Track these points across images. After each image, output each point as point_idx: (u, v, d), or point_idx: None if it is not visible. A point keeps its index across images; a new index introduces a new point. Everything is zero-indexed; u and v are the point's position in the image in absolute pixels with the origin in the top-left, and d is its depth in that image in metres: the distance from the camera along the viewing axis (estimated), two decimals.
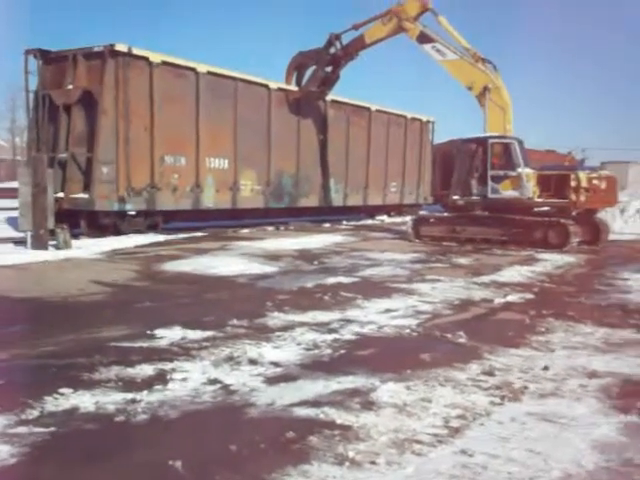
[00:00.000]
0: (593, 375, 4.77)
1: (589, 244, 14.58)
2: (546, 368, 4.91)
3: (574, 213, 14.71)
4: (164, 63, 14.72)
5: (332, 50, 18.26)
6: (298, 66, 19.26)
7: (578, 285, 9.37)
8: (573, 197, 14.16)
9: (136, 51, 14.09)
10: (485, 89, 15.28)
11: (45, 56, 14.29)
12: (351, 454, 3.30)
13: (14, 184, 18.76)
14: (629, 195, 22.98)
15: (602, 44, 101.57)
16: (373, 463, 3.22)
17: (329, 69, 18.63)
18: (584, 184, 14.11)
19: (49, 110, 14.07)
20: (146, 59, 14.33)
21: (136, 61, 14.15)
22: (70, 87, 13.88)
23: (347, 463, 3.21)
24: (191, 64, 15.53)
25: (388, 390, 4.30)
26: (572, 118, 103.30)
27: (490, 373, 4.77)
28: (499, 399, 4.19)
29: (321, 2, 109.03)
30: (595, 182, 14.31)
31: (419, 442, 3.48)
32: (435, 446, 3.44)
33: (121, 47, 13.70)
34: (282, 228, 18.17)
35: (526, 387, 4.46)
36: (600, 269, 11.37)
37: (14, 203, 14.84)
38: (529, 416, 3.89)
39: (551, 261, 11.99)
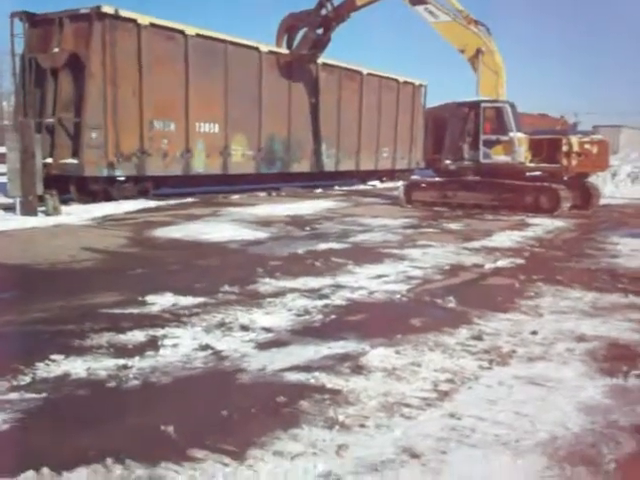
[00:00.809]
0: (581, 339, 4.83)
1: (580, 209, 14.62)
2: (534, 332, 4.96)
3: (565, 178, 14.71)
4: (152, 25, 14.48)
5: (323, 12, 18.00)
6: (289, 28, 18.99)
7: (568, 250, 9.42)
8: (565, 162, 14.15)
9: (123, 13, 13.83)
10: (478, 52, 15.13)
11: (31, 19, 14.02)
12: (341, 418, 3.34)
13: (1, 149, 18.55)
14: (620, 159, 23.02)
15: (596, 9, 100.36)
16: (362, 426, 3.26)
17: (320, 31, 18.37)
18: (576, 148, 14.09)
19: (36, 74, 13.86)
20: (134, 21, 14.09)
21: (124, 23, 13.90)
22: (56, 50, 13.64)
23: (337, 427, 3.25)
24: (180, 26, 15.29)
25: (378, 355, 4.34)
26: (565, 82, 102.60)
27: (479, 338, 4.81)
28: (487, 363, 4.24)
29: None
30: (587, 146, 14.29)
31: (408, 406, 3.53)
32: (424, 409, 3.49)
33: (108, 9, 13.45)
34: (274, 194, 18.10)
35: (514, 351, 4.51)
36: (590, 233, 11.43)
37: (2, 168, 14.71)
38: (517, 379, 3.95)
39: (542, 226, 12.03)
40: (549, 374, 4.05)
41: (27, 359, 4.09)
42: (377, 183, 23.70)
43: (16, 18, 13.99)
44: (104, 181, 14.09)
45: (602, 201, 15.68)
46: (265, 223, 11.48)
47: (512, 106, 14.71)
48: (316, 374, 3.95)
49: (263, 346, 4.52)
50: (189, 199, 15.51)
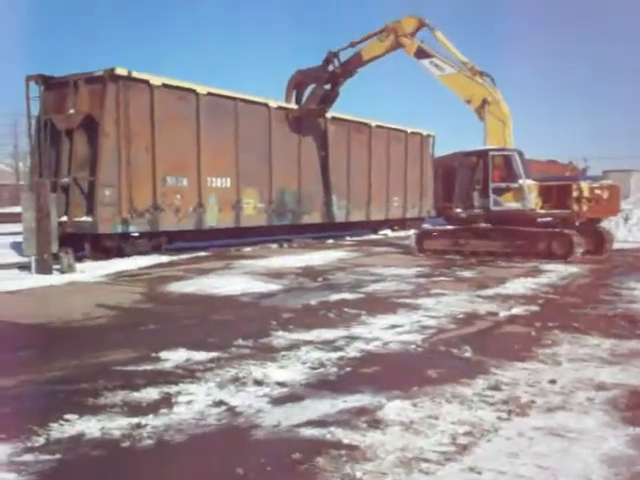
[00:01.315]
0: (600, 387, 4.74)
1: (593, 254, 14.54)
2: (553, 381, 4.88)
3: (577, 223, 14.69)
4: (164, 85, 14.84)
5: (330, 68, 18.40)
6: (297, 84, 19.40)
7: (583, 296, 9.33)
8: (575, 207, 14.16)
9: (136, 74, 14.20)
10: (484, 102, 15.34)
11: (46, 82, 14.41)
12: (358, 475, 3.28)
13: (17, 209, 18.84)
14: (632, 203, 22.96)
15: (601, 53, 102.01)
16: None
17: (328, 87, 18.76)
18: (586, 194, 14.12)
19: (51, 135, 14.18)
20: (146, 82, 14.45)
21: (137, 84, 14.26)
22: (72, 112, 13.98)
23: None
24: (191, 86, 15.66)
25: (395, 408, 4.29)
26: (573, 128, 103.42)
27: (497, 388, 4.74)
28: (506, 414, 4.17)
29: (319, 21, 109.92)
30: (597, 192, 14.32)
31: (427, 460, 3.46)
32: (443, 464, 3.42)
33: (121, 71, 13.82)
34: (285, 245, 18.19)
35: (533, 401, 4.44)
36: (605, 279, 11.33)
37: (18, 228, 14.91)
38: (537, 431, 3.87)
39: (556, 272, 11.96)
40: (570, 424, 3.97)
41: (42, 419, 4.07)
42: (388, 232, 23.76)
43: (32, 81, 14.41)
44: (118, 237, 14.22)
45: (615, 246, 15.61)
46: (277, 275, 11.50)
47: (520, 154, 14.82)
48: (332, 429, 3.90)
49: (278, 401, 4.47)
50: (202, 253, 15.61)
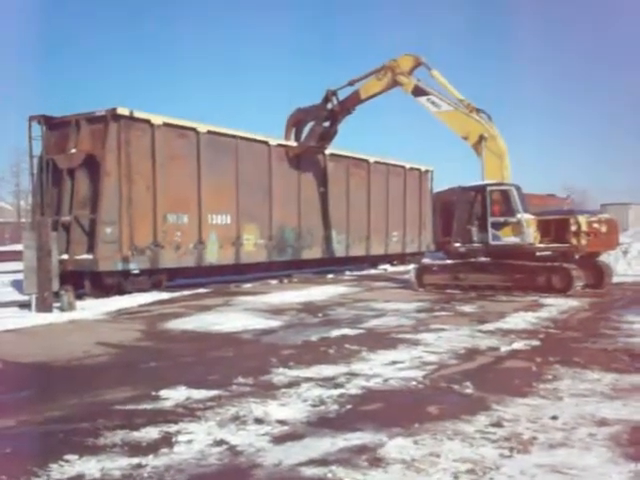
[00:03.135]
0: (602, 423, 4.73)
1: (593, 287, 14.55)
2: (555, 417, 4.87)
3: (576, 257, 14.74)
4: (165, 124, 15.05)
5: (329, 106, 18.69)
6: (297, 122, 19.67)
7: (583, 330, 9.32)
8: (574, 241, 14.22)
9: (137, 114, 14.42)
10: (481, 138, 15.54)
11: (49, 122, 14.61)
12: None
13: (19, 247, 18.90)
14: (631, 237, 23.02)
15: (599, 86, 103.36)
16: None
17: (327, 124, 19.01)
18: (584, 228, 14.20)
19: (53, 174, 14.33)
20: (147, 121, 14.66)
21: (138, 124, 14.46)
22: (73, 151, 14.15)
23: None
24: (192, 124, 15.87)
25: (396, 446, 4.27)
26: (570, 161, 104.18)
27: (498, 424, 4.73)
28: (508, 451, 4.15)
29: (317, 60, 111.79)
30: (595, 225, 14.40)
31: None
32: None
33: (123, 111, 14.03)
34: (285, 281, 18.20)
35: (535, 438, 4.42)
36: (605, 313, 11.33)
37: (19, 266, 14.95)
38: (539, 468, 3.85)
39: (556, 306, 11.96)
40: (572, 461, 3.95)
41: (41, 460, 4.06)
42: (388, 267, 23.80)
43: (34, 121, 14.61)
44: (118, 275, 14.25)
45: (615, 279, 15.62)
46: (277, 311, 11.50)
47: (518, 188, 14.95)
48: (333, 468, 3.88)
49: (278, 439, 4.46)
50: (202, 289, 15.61)
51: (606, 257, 16.93)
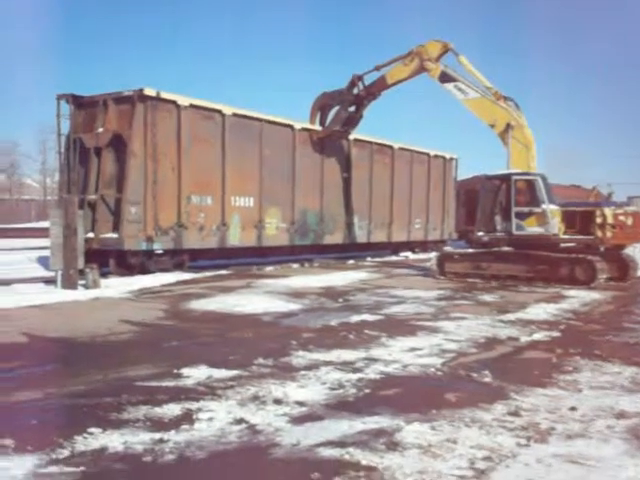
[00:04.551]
0: (621, 416, 4.72)
1: (617, 280, 14.40)
2: (573, 408, 4.87)
3: (601, 249, 14.58)
4: (191, 106, 15.12)
5: (355, 91, 18.59)
6: (322, 106, 19.61)
7: (605, 323, 9.25)
8: (599, 233, 14.07)
9: (164, 95, 14.49)
10: (508, 127, 15.37)
11: (77, 101, 14.76)
12: None
13: (44, 224, 19.18)
14: None
15: (629, 77, 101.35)
16: None
17: (352, 109, 18.93)
18: (610, 220, 14.02)
19: (80, 153, 14.49)
20: (174, 102, 14.73)
21: (164, 104, 14.55)
22: (101, 130, 14.31)
23: None
24: (217, 106, 15.92)
25: (413, 431, 4.31)
26: (599, 152, 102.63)
27: (516, 413, 4.74)
28: (525, 440, 4.17)
29: (345, 45, 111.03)
30: (621, 218, 14.21)
31: None
32: None
33: (150, 91, 14.11)
34: (307, 265, 18.28)
35: (553, 428, 4.43)
36: (628, 306, 11.22)
37: (44, 242, 15.20)
38: (555, 457, 3.86)
39: (578, 298, 11.87)
40: (589, 452, 3.96)
41: (66, 432, 4.17)
42: (409, 254, 23.75)
43: (62, 100, 14.77)
44: (142, 254, 14.43)
45: (639, 273, 15.42)
46: (298, 295, 11.57)
47: (544, 178, 14.80)
48: (350, 450, 3.93)
49: (297, 420, 4.52)
50: (224, 271, 15.75)
51: (631, 250, 16.71)
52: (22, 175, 62.00)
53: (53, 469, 3.62)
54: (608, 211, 14.19)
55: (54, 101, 14.75)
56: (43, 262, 15.16)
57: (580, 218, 14.55)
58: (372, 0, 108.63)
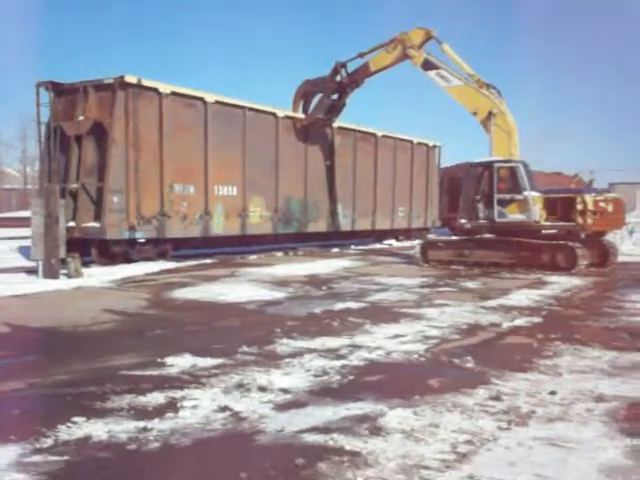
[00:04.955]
0: (600, 399, 4.80)
1: (597, 266, 14.57)
2: (553, 392, 4.94)
3: (582, 236, 14.73)
4: (173, 93, 15.00)
5: (338, 78, 18.53)
6: (305, 94, 19.54)
7: (586, 308, 9.37)
8: (580, 220, 14.21)
9: (145, 82, 14.36)
10: (490, 114, 15.44)
11: (57, 88, 14.57)
12: None
13: (25, 213, 19.01)
14: (637, 216, 22.97)
15: (609, 63, 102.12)
16: None
17: (335, 97, 18.90)
18: (590, 207, 14.16)
19: (60, 141, 14.34)
20: (155, 90, 14.60)
21: (146, 92, 14.42)
22: (81, 118, 14.15)
23: None
24: (199, 94, 15.81)
25: (396, 416, 4.35)
26: (580, 139, 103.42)
27: (497, 398, 4.80)
28: (506, 424, 4.23)
29: (327, 32, 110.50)
30: (602, 204, 14.35)
31: (427, 468, 3.52)
32: (443, 471, 3.48)
33: (130, 79, 13.97)
34: (291, 253, 18.29)
35: (533, 411, 4.49)
36: (608, 292, 11.37)
37: (25, 232, 15.05)
38: (536, 440, 3.93)
39: (559, 284, 12.00)
40: (569, 435, 4.03)
41: (50, 422, 4.15)
42: (393, 242, 23.84)
43: (42, 87, 14.57)
44: (125, 243, 14.34)
45: (619, 259, 15.61)
46: (282, 283, 11.58)
47: (525, 165, 14.90)
48: (334, 436, 3.97)
49: (281, 407, 4.55)
50: (207, 260, 15.72)
51: (612, 236, 16.91)
52: (2, 164, 61.21)
53: (37, 458, 3.61)
54: (589, 198, 14.32)
55: (33, 89, 14.58)
56: (24, 252, 15.03)
57: (561, 205, 14.68)
58: None
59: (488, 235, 15.26)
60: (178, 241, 15.83)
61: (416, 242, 17.89)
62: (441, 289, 11.24)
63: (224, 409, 4.49)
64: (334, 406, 4.55)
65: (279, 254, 17.95)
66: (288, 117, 18.79)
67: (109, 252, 14.22)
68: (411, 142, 24.74)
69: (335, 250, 19.89)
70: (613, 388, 5.08)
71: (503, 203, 14.80)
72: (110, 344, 6.65)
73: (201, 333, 7.35)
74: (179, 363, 5.74)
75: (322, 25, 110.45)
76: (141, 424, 4.16)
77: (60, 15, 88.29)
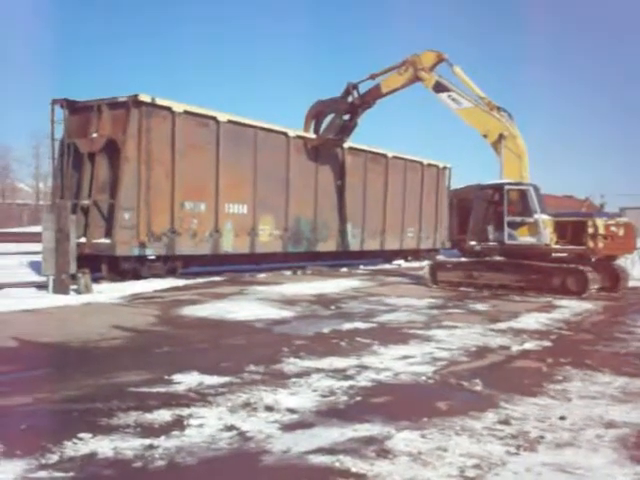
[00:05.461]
0: (610, 425, 4.74)
1: (608, 291, 14.47)
2: (563, 418, 4.88)
3: (592, 260, 14.66)
4: (186, 112, 15.15)
5: (350, 99, 18.67)
6: (316, 114, 19.68)
7: (596, 333, 9.29)
8: (591, 244, 14.14)
9: (159, 101, 14.52)
10: (500, 137, 15.48)
11: (71, 106, 14.76)
12: None
13: (36, 228, 19.13)
14: None
15: (621, 88, 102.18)
16: None
17: (347, 117, 19.01)
18: (601, 231, 14.10)
19: (74, 158, 14.49)
20: (169, 109, 14.76)
21: (159, 110, 14.57)
22: (95, 136, 14.31)
23: None
24: (212, 113, 15.95)
25: (404, 438, 4.32)
26: (591, 163, 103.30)
27: (506, 422, 4.76)
28: (515, 449, 4.19)
29: (340, 53, 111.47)
30: (613, 229, 14.30)
31: None
32: None
33: (144, 97, 14.13)
34: (299, 272, 18.27)
35: (542, 437, 4.44)
36: (619, 316, 11.27)
37: (36, 247, 15.15)
38: (545, 466, 3.88)
39: (569, 308, 11.91)
40: (578, 461, 3.98)
41: (56, 437, 4.15)
42: (402, 262, 23.80)
43: (57, 105, 14.77)
44: (135, 260, 14.41)
45: (630, 283, 15.50)
46: (291, 302, 11.57)
47: (536, 188, 14.89)
48: (341, 457, 3.93)
49: (288, 427, 4.52)
50: (216, 278, 15.74)
51: (623, 261, 16.80)
52: (15, 180, 61.84)
53: (42, 474, 3.60)
54: (600, 221, 14.27)
55: (48, 106, 14.79)
56: (35, 267, 15.11)
57: (572, 228, 14.63)
58: (368, 10, 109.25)
59: (498, 257, 15.21)
60: (188, 258, 15.88)
61: (425, 263, 17.85)
62: (450, 311, 11.19)
63: (230, 428, 4.47)
64: (341, 427, 4.52)
65: (288, 273, 17.95)
66: (299, 137, 18.91)
67: (119, 268, 14.27)
68: (421, 163, 24.80)
69: (344, 270, 19.87)
70: (624, 414, 5.02)
71: (513, 226, 14.76)
72: (118, 360, 6.65)
73: (209, 351, 7.34)
74: (186, 381, 5.72)
75: (335, 45, 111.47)
76: (147, 442, 4.14)
77: (75, 33, 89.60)
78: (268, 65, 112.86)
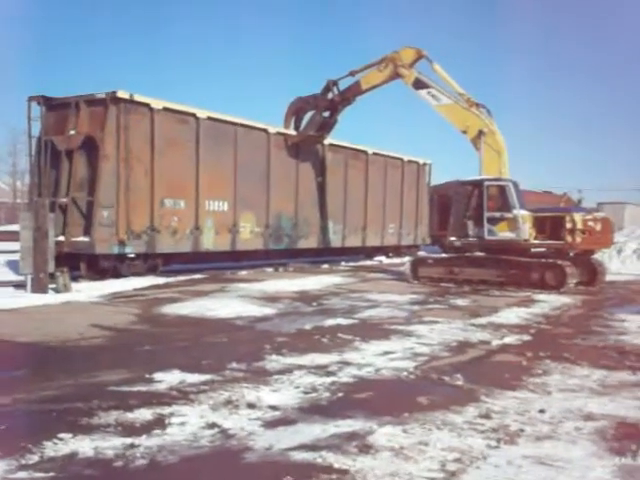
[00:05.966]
0: (589, 417, 4.80)
1: (586, 285, 14.67)
2: (542, 411, 4.94)
3: (571, 254, 14.83)
4: (165, 109, 15.02)
5: (330, 95, 18.67)
6: (297, 111, 19.64)
7: (575, 326, 9.41)
8: (569, 238, 14.30)
9: (138, 98, 14.39)
10: (480, 133, 15.59)
11: (48, 103, 14.56)
12: None
13: (14, 227, 18.89)
14: (625, 236, 23.12)
15: (598, 84, 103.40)
16: None
17: (327, 114, 19.02)
18: (579, 226, 14.27)
19: (51, 155, 14.30)
20: (147, 105, 14.63)
21: (138, 107, 14.44)
22: (72, 133, 14.14)
23: None
24: (191, 110, 15.85)
25: (385, 433, 4.34)
26: (569, 159, 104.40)
27: (487, 416, 4.80)
28: (495, 442, 4.23)
29: (319, 50, 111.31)
30: (590, 224, 14.47)
31: None
32: None
33: (123, 94, 13.99)
34: (281, 269, 18.26)
35: (522, 430, 4.49)
36: (597, 310, 11.43)
37: (14, 246, 14.96)
38: (525, 459, 3.92)
39: (548, 302, 12.05)
40: (557, 453, 4.03)
41: (36, 437, 4.11)
42: (383, 259, 23.89)
43: (34, 102, 14.56)
44: (114, 258, 14.28)
45: (608, 277, 15.72)
46: (272, 299, 11.56)
47: (515, 184, 15.01)
48: (323, 453, 3.94)
49: (270, 424, 4.52)
50: (197, 275, 15.66)
51: (600, 255, 17.03)
52: None
53: (22, 475, 3.57)
54: (578, 217, 14.44)
55: (25, 103, 14.58)
56: (13, 266, 14.92)
57: (550, 223, 14.78)
58: (352, 7, 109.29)
59: (478, 253, 15.32)
60: (168, 256, 15.78)
61: (406, 259, 17.92)
62: (431, 306, 11.25)
63: (212, 426, 4.46)
64: (323, 423, 4.53)
65: (269, 270, 17.92)
66: (280, 134, 18.87)
67: (98, 267, 14.15)
68: (402, 160, 24.88)
69: (325, 266, 19.89)
70: (602, 407, 5.09)
71: (493, 221, 14.88)
72: (98, 360, 6.59)
73: (190, 349, 7.30)
74: (167, 379, 5.69)
75: (314, 42, 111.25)
76: (128, 441, 4.12)
77: (53, 29, 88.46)
78: (250, 63, 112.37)
